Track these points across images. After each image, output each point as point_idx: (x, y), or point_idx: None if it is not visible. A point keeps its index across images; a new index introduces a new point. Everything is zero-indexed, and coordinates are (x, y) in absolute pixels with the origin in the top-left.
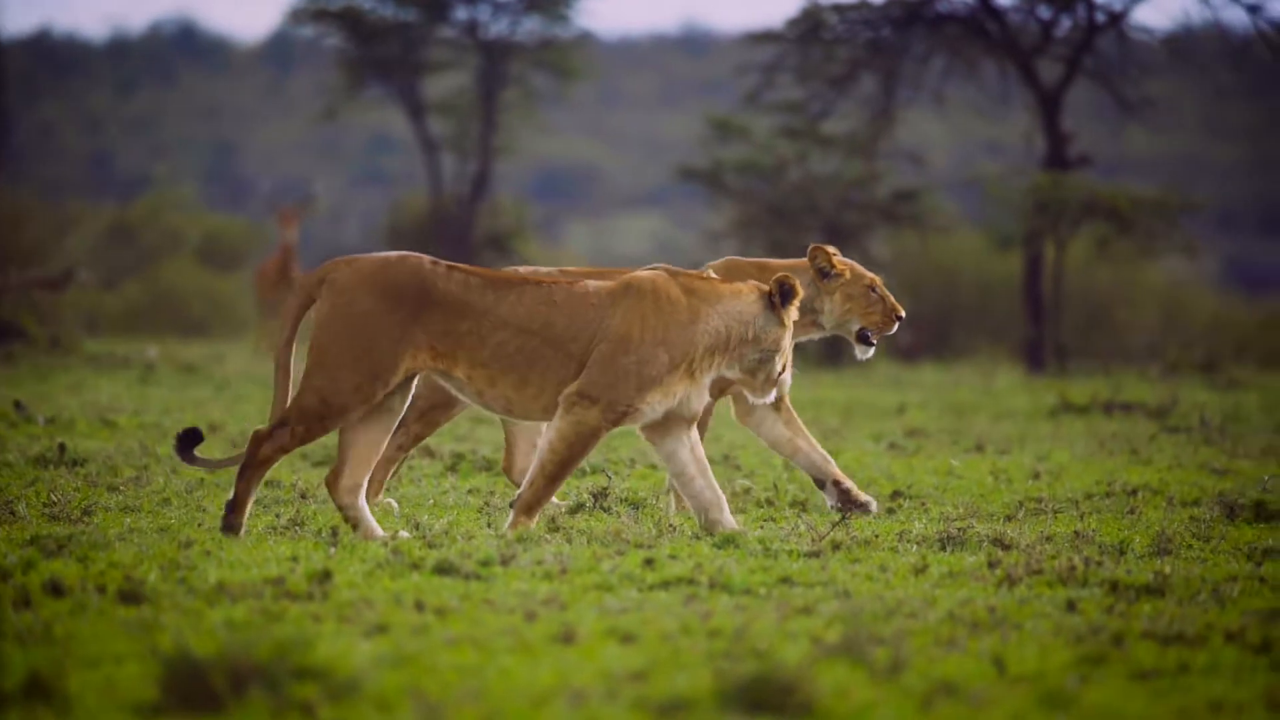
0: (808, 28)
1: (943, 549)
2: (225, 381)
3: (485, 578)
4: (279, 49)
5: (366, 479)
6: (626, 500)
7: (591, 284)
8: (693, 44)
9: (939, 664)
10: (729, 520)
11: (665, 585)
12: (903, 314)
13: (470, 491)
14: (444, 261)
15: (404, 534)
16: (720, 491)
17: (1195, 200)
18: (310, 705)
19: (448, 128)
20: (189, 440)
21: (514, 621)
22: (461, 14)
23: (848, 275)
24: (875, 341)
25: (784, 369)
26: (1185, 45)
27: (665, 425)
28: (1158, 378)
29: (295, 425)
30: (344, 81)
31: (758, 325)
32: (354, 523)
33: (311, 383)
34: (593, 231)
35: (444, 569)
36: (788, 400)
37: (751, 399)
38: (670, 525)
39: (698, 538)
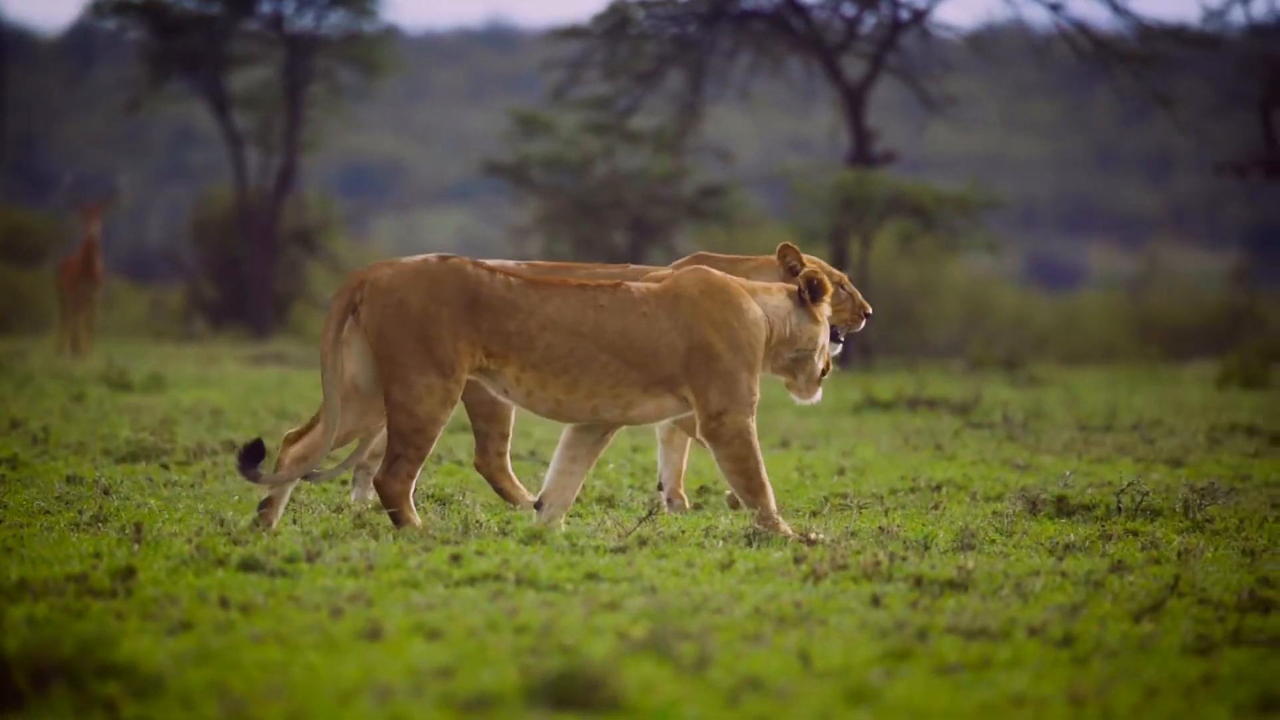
0: (614, 23)
1: (749, 545)
2: (28, 377)
3: (291, 574)
4: (81, 41)
5: (314, 455)
6: (433, 497)
7: (635, 287)
8: (498, 39)
9: (745, 659)
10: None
11: (472, 581)
12: (870, 310)
13: None
14: (485, 262)
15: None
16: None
17: (997, 197)
18: (113, 703)
19: (253, 122)
20: (253, 455)
21: (320, 618)
22: (266, 7)
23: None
24: (844, 339)
25: (826, 369)
26: (987, 43)
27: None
28: (961, 373)
29: (404, 450)
30: (147, 74)
31: (793, 323)
32: (259, 481)
33: (394, 399)
34: (399, 227)
35: (249, 565)
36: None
37: (797, 400)
38: (477, 521)
39: (504, 534)
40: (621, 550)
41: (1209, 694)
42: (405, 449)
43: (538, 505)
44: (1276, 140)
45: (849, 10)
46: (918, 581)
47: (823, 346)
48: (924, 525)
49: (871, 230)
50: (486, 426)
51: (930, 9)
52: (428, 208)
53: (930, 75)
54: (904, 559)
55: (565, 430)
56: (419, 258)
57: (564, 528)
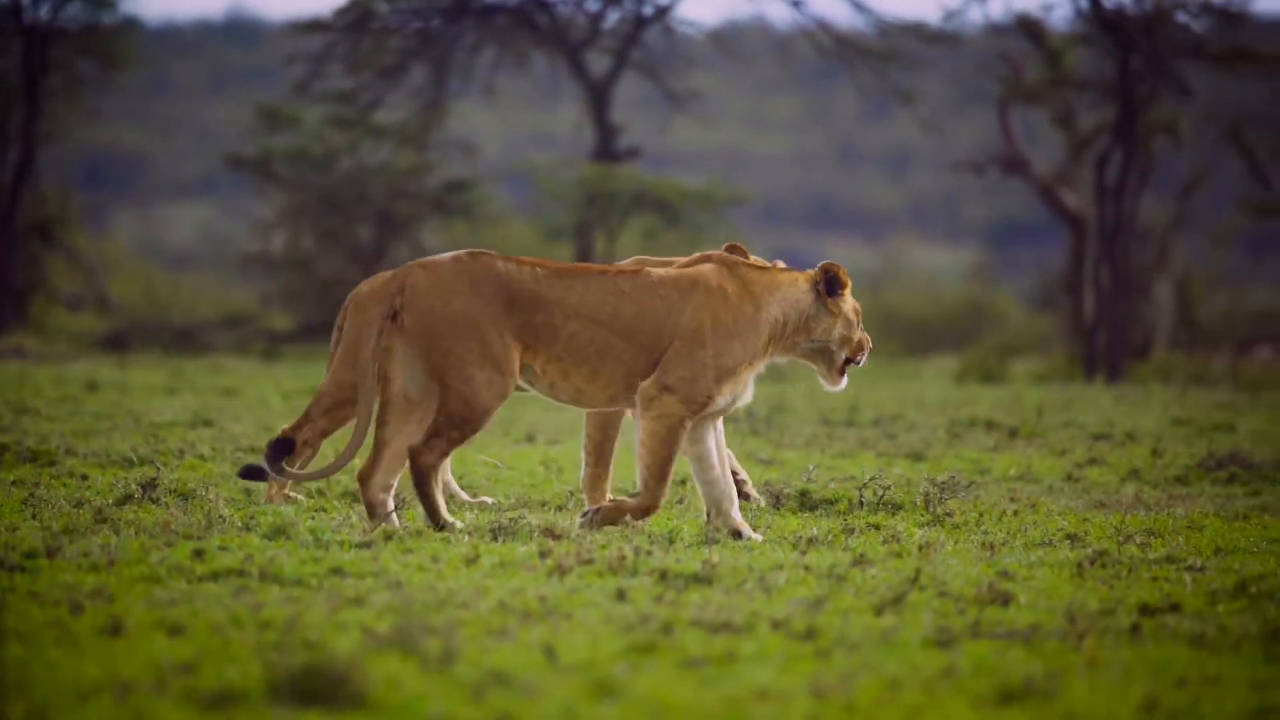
0: (356, 17)
1: (494, 539)
2: None
3: (30, 570)
4: None
5: (397, 480)
6: (176, 491)
7: (656, 273)
8: (240, 32)
9: (490, 654)
10: (738, 518)
11: (215, 577)
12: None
13: (14, 483)
14: (511, 256)
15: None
16: (734, 486)
17: (741, 193)
18: None
19: None
20: (280, 450)
21: (60, 614)
22: None
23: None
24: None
25: (854, 360)
26: (730, 39)
27: (702, 426)
28: None
29: (450, 432)
30: None
31: (810, 314)
32: (380, 519)
33: (452, 387)
34: (141, 221)
35: None
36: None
37: (825, 387)
38: (220, 516)
39: (248, 529)
40: (366, 545)
41: (949, 686)
42: (450, 430)
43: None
44: (1014, 138)
45: (593, 6)
46: (663, 575)
47: (846, 338)
48: (669, 519)
49: (616, 226)
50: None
51: (673, 5)
52: (170, 201)
53: (674, 71)
54: (649, 553)
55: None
56: (451, 255)
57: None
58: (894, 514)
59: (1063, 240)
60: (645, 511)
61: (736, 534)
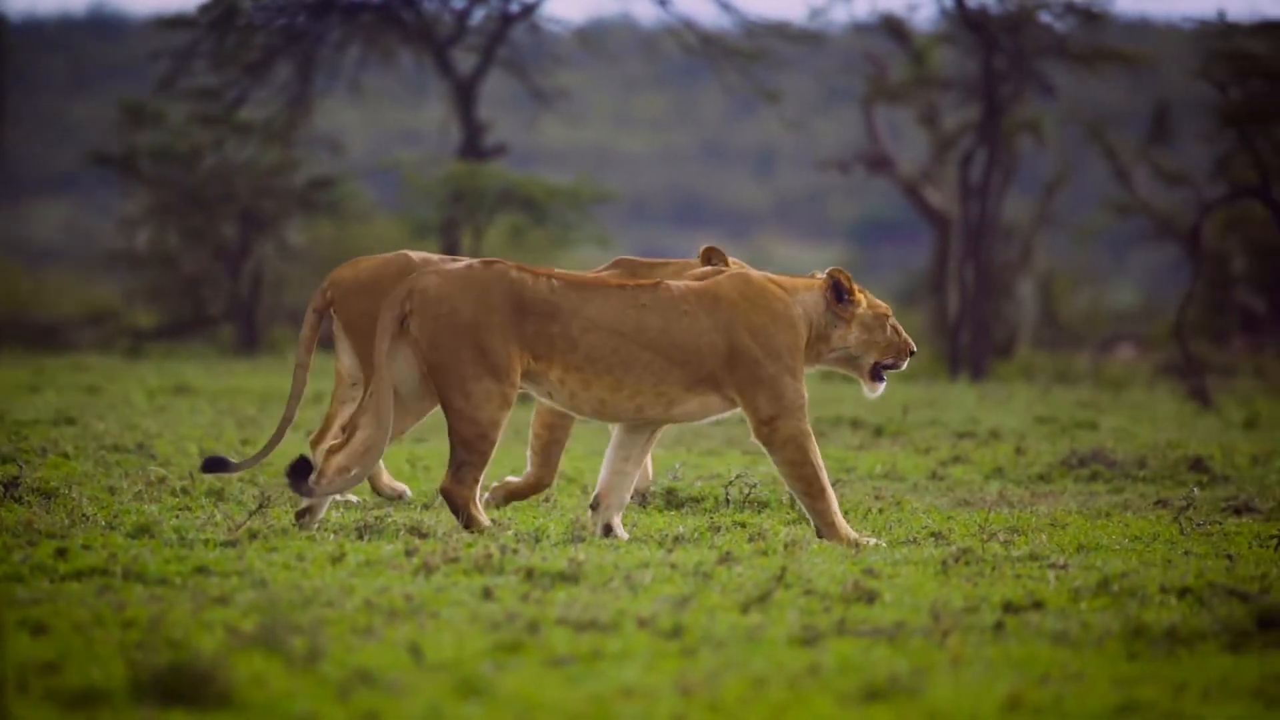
0: (221, 14)
1: (360, 538)
2: None
3: None
4: None
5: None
6: (39, 490)
7: (674, 286)
8: (103, 27)
9: (356, 652)
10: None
11: (78, 576)
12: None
13: None
14: (527, 266)
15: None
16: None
17: (608, 191)
18: None
19: None
20: (302, 470)
21: None
22: None
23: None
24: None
25: (895, 363)
26: (596, 37)
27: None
28: None
29: (470, 457)
30: None
31: (825, 322)
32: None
33: (454, 407)
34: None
35: None
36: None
37: (865, 394)
38: (84, 515)
39: (111, 528)
40: (231, 544)
41: (815, 684)
42: (469, 455)
43: (594, 506)
44: (879, 136)
45: (459, 3)
46: (529, 574)
47: (869, 343)
48: (536, 518)
49: (483, 223)
50: None
51: (539, 3)
52: (32, 198)
53: (540, 69)
54: (515, 551)
55: (616, 430)
56: (464, 263)
57: (624, 533)
58: (760, 512)
59: (927, 239)
60: (833, 527)
61: (608, 530)
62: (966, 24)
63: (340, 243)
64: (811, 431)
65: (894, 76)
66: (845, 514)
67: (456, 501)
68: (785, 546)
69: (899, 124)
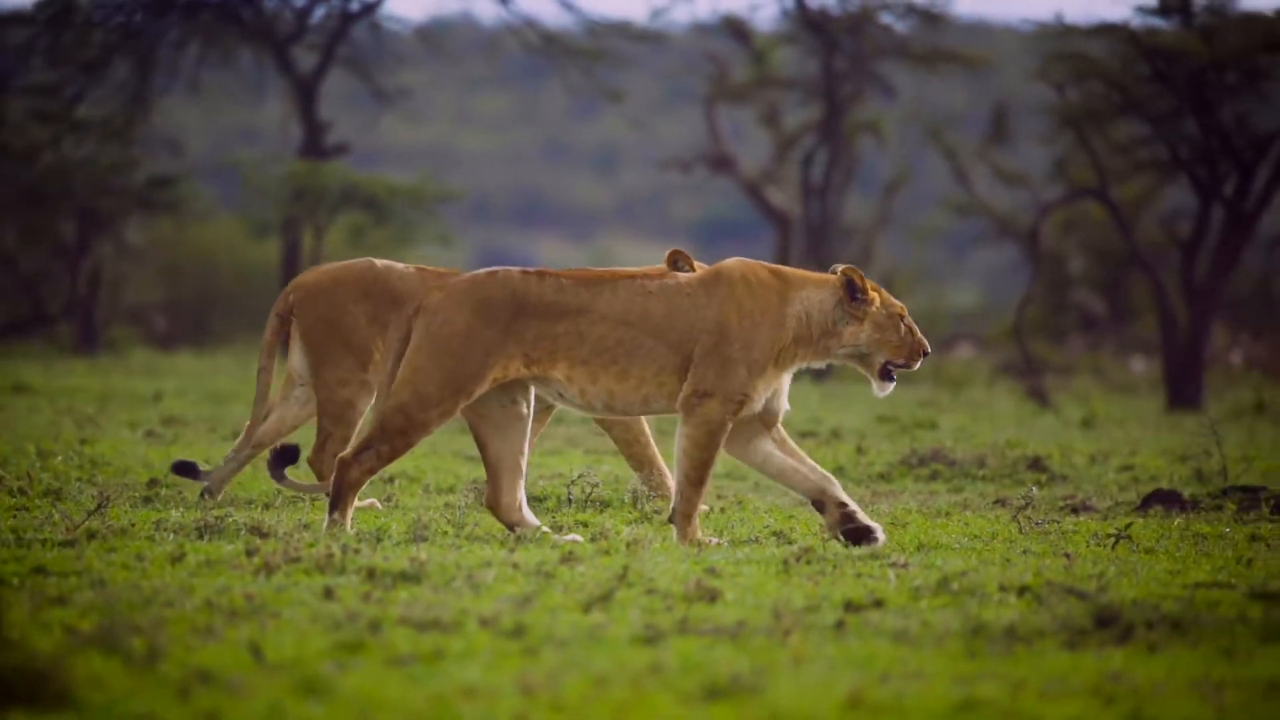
0: (58, 10)
1: (200, 537)
2: None
3: None
4: None
5: (523, 491)
6: None
7: (681, 274)
8: None
9: (197, 653)
10: (840, 492)
11: None
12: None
13: None
14: (534, 269)
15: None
16: (825, 471)
17: (450, 190)
18: None
19: None
20: (283, 458)
21: None
22: None
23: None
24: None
25: (906, 363)
26: (438, 36)
27: (747, 432)
28: None
29: (380, 445)
30: None
31: (835, 318)
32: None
33: (397, 401)
34: None
35: None
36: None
37: (874, 392)
38: None
39: None
40: (70, 544)
41: (657, 683)
42: (381, 445)
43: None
44: (720, 136)
45: (299, 1)
46: (370, 573)
47: (881, 341)
48: (377, 517)
49: (324, 222)
50: (332, 427)
51: (380, 2)
52: None
53: (382, 68)
54: (357, 551)
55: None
56: (470, 275)
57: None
58: (602, 511)
59: (769, 238)
60: (685, 518)
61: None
62: (807, 25)
63: (180, 243)
64: (728, 429)
65: (735, 76)
66: (659, 511)
67: (345, 478)
68: (627, 546)
69: (741, 124)
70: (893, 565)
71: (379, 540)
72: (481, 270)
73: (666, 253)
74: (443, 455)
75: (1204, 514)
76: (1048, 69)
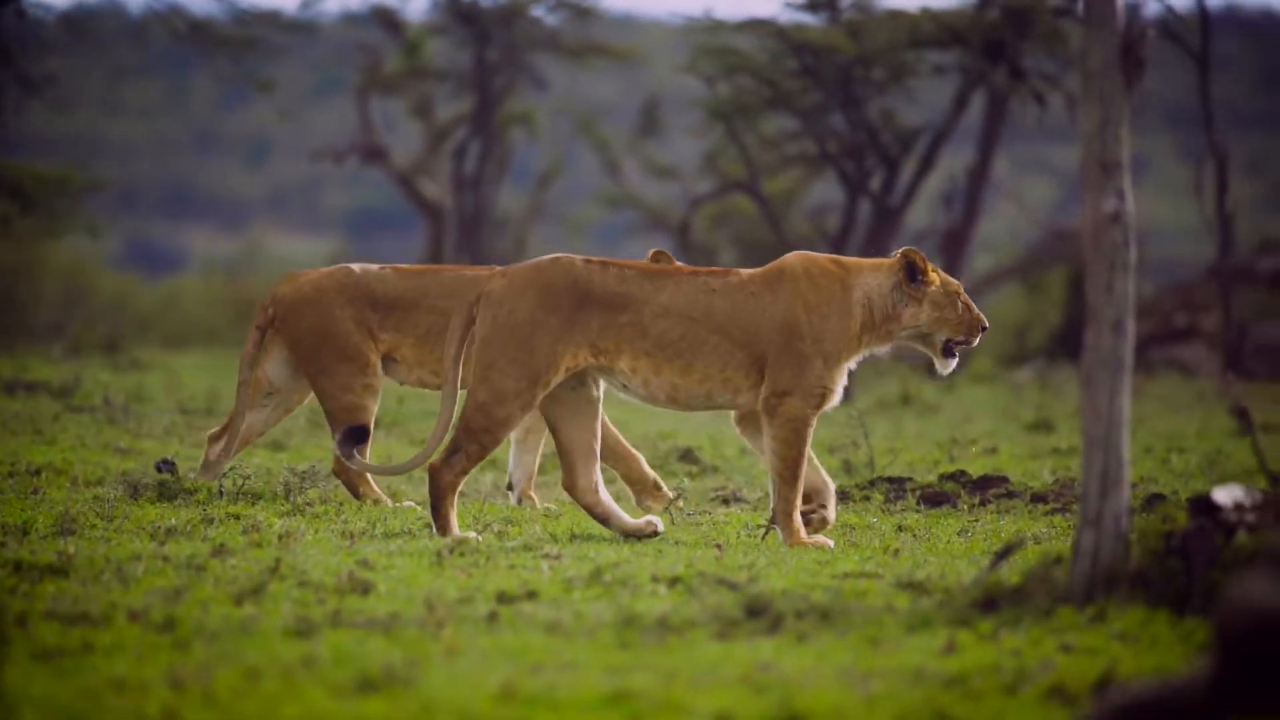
0: None
1: None
2: None
3: None
4: None
5: (598, 473)
6: None
7: (745, 272)
8: None
9: None
10: (834, 510)
11: None
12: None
13: None
14: (596, 258)
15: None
16: (829, 480)
17: (98, 179)
18: None
19: None
20: (354, 436)
21: None
22: None
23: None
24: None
25: (968, 340)
26: (83, 23)
27: (759, 423)
28: (61, 357)
29: (468, 446)
30: None
31: (895, 301)
32: (604, 519)
33: (476, 400)
34: None
35: None
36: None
37: (937, 371)
38: None
39: None
40: None
41: (309, 675)
42: (469, 445)
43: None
44: (373, 127)
45: None
46: (17, 567)
47: (941, 320)
48: (24, 510)
49: None
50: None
51: None
52: None
53: (26, 55)
54: (3, 544)
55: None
56: (533, 262)
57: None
58: (254, 504)
59: (422, 229)
60: (788, 518)
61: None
62: (459, 16)
63: None
64: (814, 424)
65: (387, 67)
66: (340, 505)
67: (438, 483)
68: (280, 538)
69: (393, 115)
70: (546, 557)
71: (25, 534)
72: (543, 257)
73: (649, 252)
74: (91, 448)
75: (852, 505)
76: (697, 63)
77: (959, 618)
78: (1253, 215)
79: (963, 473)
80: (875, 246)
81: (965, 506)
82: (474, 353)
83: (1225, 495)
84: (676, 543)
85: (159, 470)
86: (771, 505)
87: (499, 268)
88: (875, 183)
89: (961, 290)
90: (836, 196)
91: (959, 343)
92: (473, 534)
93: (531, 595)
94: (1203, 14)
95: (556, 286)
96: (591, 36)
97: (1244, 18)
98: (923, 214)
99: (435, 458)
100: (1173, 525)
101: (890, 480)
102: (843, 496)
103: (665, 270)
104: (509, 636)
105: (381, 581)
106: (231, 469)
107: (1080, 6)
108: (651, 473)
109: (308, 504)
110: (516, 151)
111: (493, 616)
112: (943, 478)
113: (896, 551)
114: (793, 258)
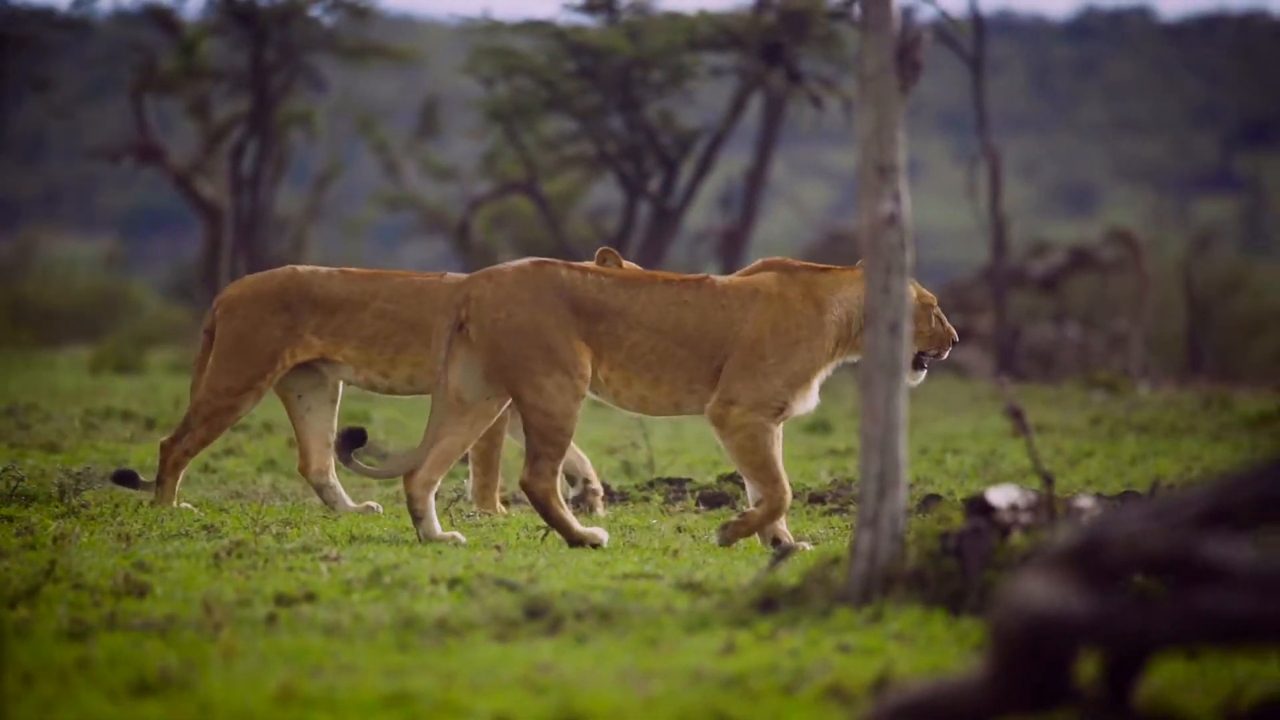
0: None
1: None
2: None
3: None
4: None
5: (440, 480)
6: None
7: (720, 282)
8: None
9: None
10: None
11: None
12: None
13: None
14: (576, 264)
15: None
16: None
17: None
18: None
19: None
20: (351, 440)
21: None
22: None
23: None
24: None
25: (936, 353)
26: None
27: None
28: None
29: (544, 449)
30: None
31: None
32: (417, 517)
33: (526, 402)
34: None
35: None
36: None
37: (908, 382)
38: None
39: None
40: None
41: (84, 678)
42: (545, 447)
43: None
44: (148, 126)
45: None
46: None
47: (919, 333)
48: None
49: None
50: (197, 425)
51: None
52: None
53: None
54: None
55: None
56: (516, 265)
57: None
58: (28, 505)
59: (199, 230)
60: (775, 514)
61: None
62: (235, 16)
63: None
64: (773, 430)
65: (163, 66)
66: (116, 507)
67: (535, 494)
68: (54, 540)
69: (169, 114)
70: (324, 559)
71: None
72: (522, 261)
73: (597, 251)
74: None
75: (631, 505)
76: (476, 64)
77: (738, 618)
78: (1026, 218)
79: None
80: (654, 247)
81: (744, 507)
82: (496, 362)
83: (1000, 496)
84: (456, 544)
85: (117, 482)
86: (751, 504)
87: (450, 274)
88: (654, 184)
89: (935, 304)
90: (616, 198)
91: (930, 355)
92: (601, 532)
93: (310, 597)
94: (976, 18)
95: (546, 288)
96: (370, 37)
97: (1017, 22)
98: (701, 215)
99: (523, 474)
100: (948, 526)
101: (670, 481)
102: (622, 497)
103: (640, 279)
104: (287, 639)
105: (158, 584)
106: (4, 470)
107: (856, 10)
108: (498, 496)
109: (83, 505)
110: (295, 152)
111: (271, 618)
112: (721, 479)
113: (676, 552)
114: (769, 277)
